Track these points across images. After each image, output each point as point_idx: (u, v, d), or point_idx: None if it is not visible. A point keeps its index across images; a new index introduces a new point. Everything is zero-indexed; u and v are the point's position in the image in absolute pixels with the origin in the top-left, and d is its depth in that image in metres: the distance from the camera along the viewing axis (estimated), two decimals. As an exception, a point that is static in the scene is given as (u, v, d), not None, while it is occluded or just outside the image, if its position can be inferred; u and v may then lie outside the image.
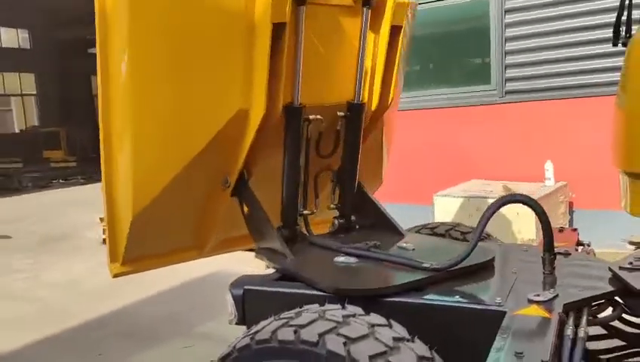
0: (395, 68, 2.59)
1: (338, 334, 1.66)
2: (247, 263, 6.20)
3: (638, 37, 1.81)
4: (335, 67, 2.56)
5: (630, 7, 2.04)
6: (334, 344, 1.63)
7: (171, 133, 2.29)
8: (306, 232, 2.65)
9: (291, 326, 1.73)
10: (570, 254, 2.42)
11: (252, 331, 1.81)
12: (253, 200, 2.44)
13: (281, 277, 2.31)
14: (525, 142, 6.17)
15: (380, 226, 2.70)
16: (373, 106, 2.68)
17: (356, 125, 2.60)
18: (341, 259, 2.36)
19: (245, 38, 2.23)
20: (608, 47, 5.70)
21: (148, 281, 5.95)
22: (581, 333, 1.71)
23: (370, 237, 2.55)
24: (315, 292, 2.10)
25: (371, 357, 1.59)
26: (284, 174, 2.50)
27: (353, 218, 2.76)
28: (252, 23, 2.24)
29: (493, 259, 2.26)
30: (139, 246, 2.42)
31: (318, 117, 2.50)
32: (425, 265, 2.13)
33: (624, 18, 2.00)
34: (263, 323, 1.83)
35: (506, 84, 6.28)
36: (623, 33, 2.07)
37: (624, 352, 2.15)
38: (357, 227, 2.77)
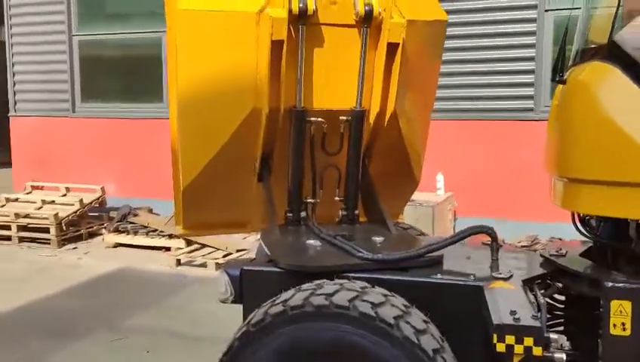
0: (393, 80, 2.89)
1: (363, 300, 1.99)
2: (150, 262, 6.23)
3: (578, 77, 2.35)
4: (338, 78, 2.86)
5: (564, 49, 2.61)
6: (364, 307, 1.94)
7: (205, 125, 2.82)
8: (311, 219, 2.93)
9: (320, 294, 2.01)
10: (502, 246, 2.94)
11: (281, 299, 2.06)
12: (268, 188, 2.85)
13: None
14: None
15: (379, 222, 3.00)
16: (373, 114, 2.97)
17: (358, 129, 2.89)
18: (310, 241, 2.65)
19: (254, 51, 2.68)
20: (492, 79, 6.65)
21: (47, 278, 5.73)
22: (541, 300, 2.19)
23: (359, 229, 2.89)
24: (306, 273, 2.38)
25: (395, 318, 1.94)
26: (289, 166, 2.85)
27: (356, 211, 3.03)
28: (259, 40, 2.66)
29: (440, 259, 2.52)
30: (194, 215, 3.04)
31: (320, 119, 2.81)
32: (360, 254, 2.41)
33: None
34: (287, 294, 2.09)
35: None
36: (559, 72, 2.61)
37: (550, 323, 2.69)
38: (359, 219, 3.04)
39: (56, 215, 6.93)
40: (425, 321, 2.05)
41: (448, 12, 3.24)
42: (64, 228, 7.04)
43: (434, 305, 2.23)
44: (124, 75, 8.63)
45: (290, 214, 2.95)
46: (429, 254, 2.44)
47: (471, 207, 6.81)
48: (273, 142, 2.93)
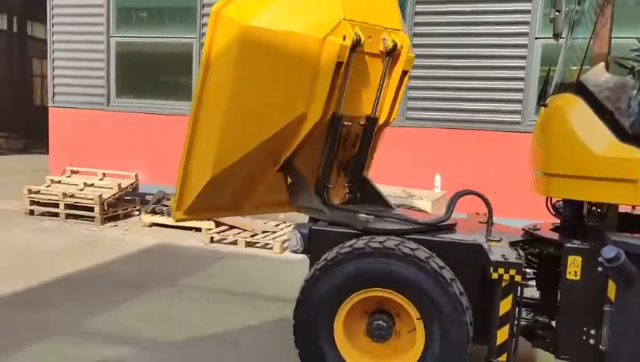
0: (399, 98, 3.86)
1: (404, 246, 2.99)
2: (185, 239, 7.17)
3: (556, 103, 3.35)
4: (364, 92, 3.77)
5: (547, 82, 3.62)
6: (406, 249, 2.95)
7: (251, 123, 3.43)
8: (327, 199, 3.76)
9: (374, 241, 3.01)
10: (494, 224, 3.95)
11: (347, 244, 3.05)
12: (300, 174, 3.59)
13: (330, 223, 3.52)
14: (418, 158, 7.91)
15: (376, 201, 3.97)
16: (381, 121, 3.92)
17: (370, 132, 3.84)
18: (362, 215, 3.58)
19: (314, 69, 3.41)
20: (488, 95, 7.69)
21: (101, 248, 6.64)
22: (521, 253, 3.21)
23: (369, 207, 3.78)
24: (354, 231, 3.32)
25: (426, 257, 2.95)
26: (322, 159, 3.66)
27: (358, 194, 3.99)
28: (321, 60, 3.41)
29: (456, 224, 3.64)
30: (204, 201, 3.54)
31: (349, 123, 3.70)
32: (418, 221, 3.44)
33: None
34: (351, 241, 3.08)
35: (407, 112, 7.99)
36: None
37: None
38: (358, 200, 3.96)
39: (100, 196, 7.84)
40: (444, 265, 3.06)
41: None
42: (105, 207, 7.95)
43: (449, 257, 3.20)
44: (156, 75, 9.56)
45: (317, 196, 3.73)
46: (447, 222, 3.44)
47: (463, 205, 7.82)
48: (307, 141, 3.53)
